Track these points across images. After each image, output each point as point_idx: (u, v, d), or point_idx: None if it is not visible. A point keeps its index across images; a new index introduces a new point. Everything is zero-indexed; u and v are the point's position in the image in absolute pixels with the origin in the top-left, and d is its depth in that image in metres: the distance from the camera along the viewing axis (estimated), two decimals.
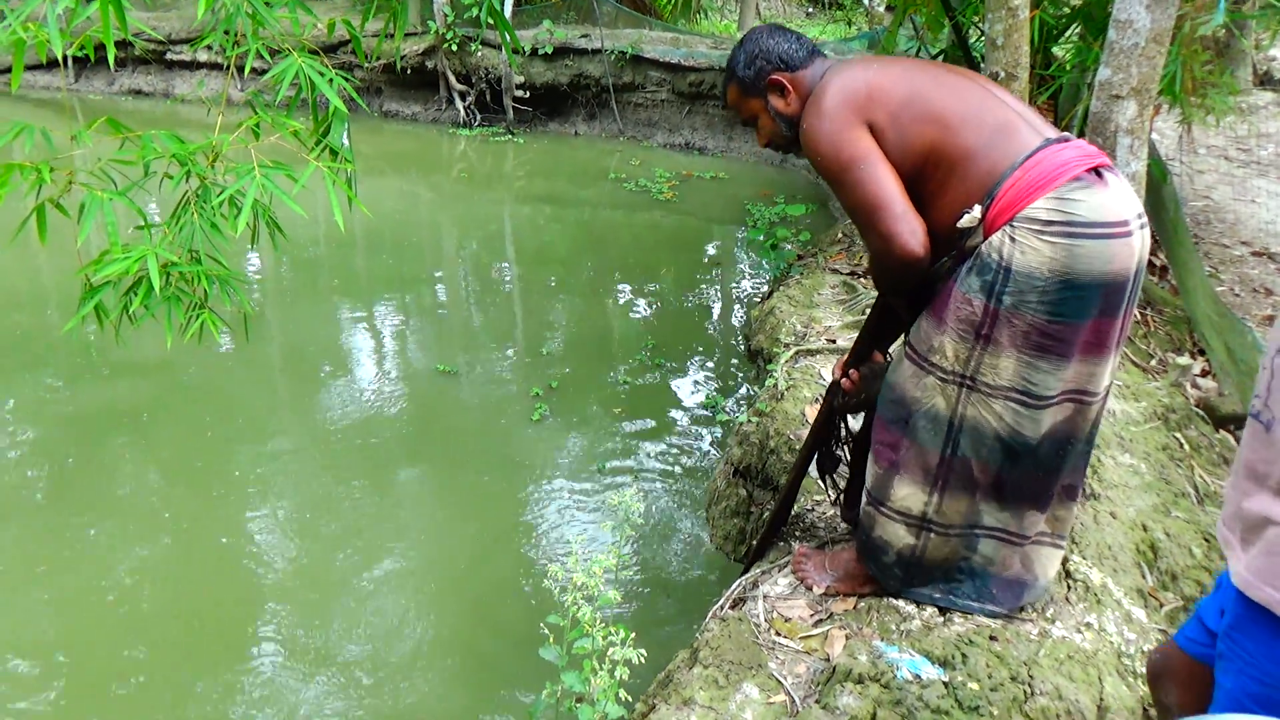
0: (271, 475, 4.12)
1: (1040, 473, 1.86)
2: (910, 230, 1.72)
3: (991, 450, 1.83)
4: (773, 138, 2.01)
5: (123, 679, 2.93)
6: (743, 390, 5.04)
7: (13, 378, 4.99)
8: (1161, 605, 2.11)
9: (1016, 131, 1.73)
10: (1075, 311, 1.69)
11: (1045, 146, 1.71)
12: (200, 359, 4.98)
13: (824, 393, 2.32)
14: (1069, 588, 1.99)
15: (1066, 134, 1.80)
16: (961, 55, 5.30)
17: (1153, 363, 3.44)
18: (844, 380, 2.11)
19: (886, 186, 1.73)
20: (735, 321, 6.22)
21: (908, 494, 1.91)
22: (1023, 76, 3.16)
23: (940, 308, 1.80)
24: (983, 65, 3.38)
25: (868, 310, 2.38)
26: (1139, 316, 3.79)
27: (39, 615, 3.21)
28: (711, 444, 4.41)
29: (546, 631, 1.81)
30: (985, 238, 1.71)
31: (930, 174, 1.76)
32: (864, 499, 2.05)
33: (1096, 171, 1.69)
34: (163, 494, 3.99)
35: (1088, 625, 1.94)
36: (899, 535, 1.96)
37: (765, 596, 2.07)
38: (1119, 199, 1.67)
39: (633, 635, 1.83)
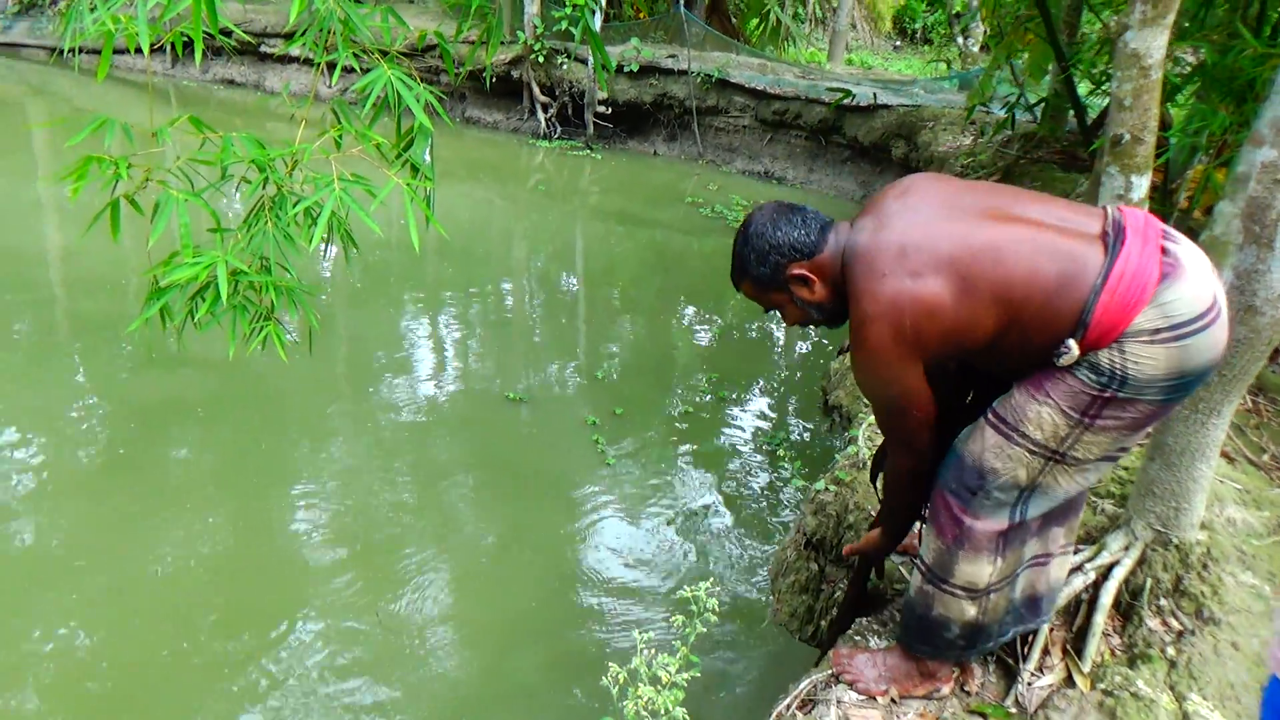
0: (324, 482, 4.05)
1: (1080, 502, 1.91)
2: (931, 453, 1.84)
3: (1052, 504, 1.83)
4: (803, 321, 1.93)
5: (158, 667, 2.93)
6: (807, 436, 4.85)
7: (86, 360, 5.03)
8: None
9: (1077, 254, 1.63)
10: (1185, 395, 1.69)
11: (1115, 255, 1.61)
12: (263, 358, 4.96)
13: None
14: None
15: (1115, 214, 1.68)
16: (1069, 106, 5.05)
17: (1265, 457, 3.17)
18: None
19: (925, 413, 1.77)
20: (802, 360, 6.02)
21: (973, 569, 1.83)
22: (1150, 141, 2.93)
23: (1042, 381, 1.71)
24: (1105, 126, 3.15)
25: None
26: (1250, 405, 3.51)
27: (88, 598, 3.19)
28: (773, 490, 4.23)
29: None
30: (1083, 355, 1.65)
31: (1004, 338, 1.69)
32: (919, 577, 1.92)
33: (1164, 251, 1.63)
34: (214, 490, 3.95)
35: None
36: (962, 610, 1.87)
37: (839, 702, 1.88)
38: (1201, 279, 1.62)
39: None
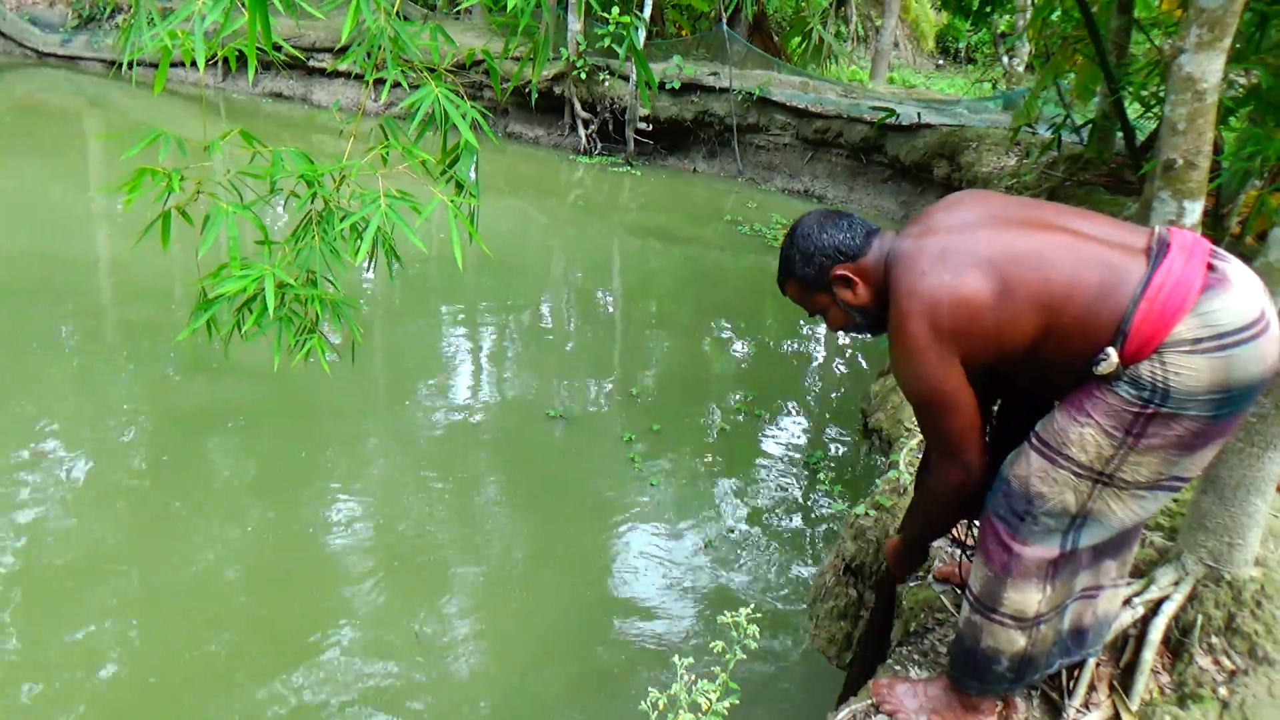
0: (360, 494, 4.08)
1: (1134, 533, 1.85)
2: (979, 468, 1.77)
3: (1107, 534, 1.78)
4: (845, 326, 1.94)
5: (187, 671, 2.97)
6: (845, 457, 4.80)
7: (133, 367, 5.14)
8: None
9: (1120, 265, 1.63)
10: (1233, 412, 1.62)
11: (1157, 266, 1.61)
12: (305, 369, 5.03)
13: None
14: None
15: (1161, 232, 1.67)
16: (1118, 127, 4.97)
17: None
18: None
19: (971, 421, 1.74)
20: (841, 380, 5.97)
21: (1022, 598, 1.79)
22: (1204, 165, 2.87)
23: (1083, 401, 1.68)
24: (1156, 149, 3.10)
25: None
26: None
27: (123, 599, 3.25)
28: (811, 509, 4.18)
29: None
30: (1124, 367, 1.62)
31: (1043, 346, 1.68)
32: (967, 609, 1.88)
33: (1211, 267, 1.61)
34: (253, 498, 4.00)
35: None
36: (1013, 641, 1.83)
37: None
38: (1248, 293, 1.59)
39: None
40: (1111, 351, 1.60)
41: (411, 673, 3.03)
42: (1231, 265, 1.63)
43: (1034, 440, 1.76)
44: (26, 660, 2.93)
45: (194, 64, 2.13)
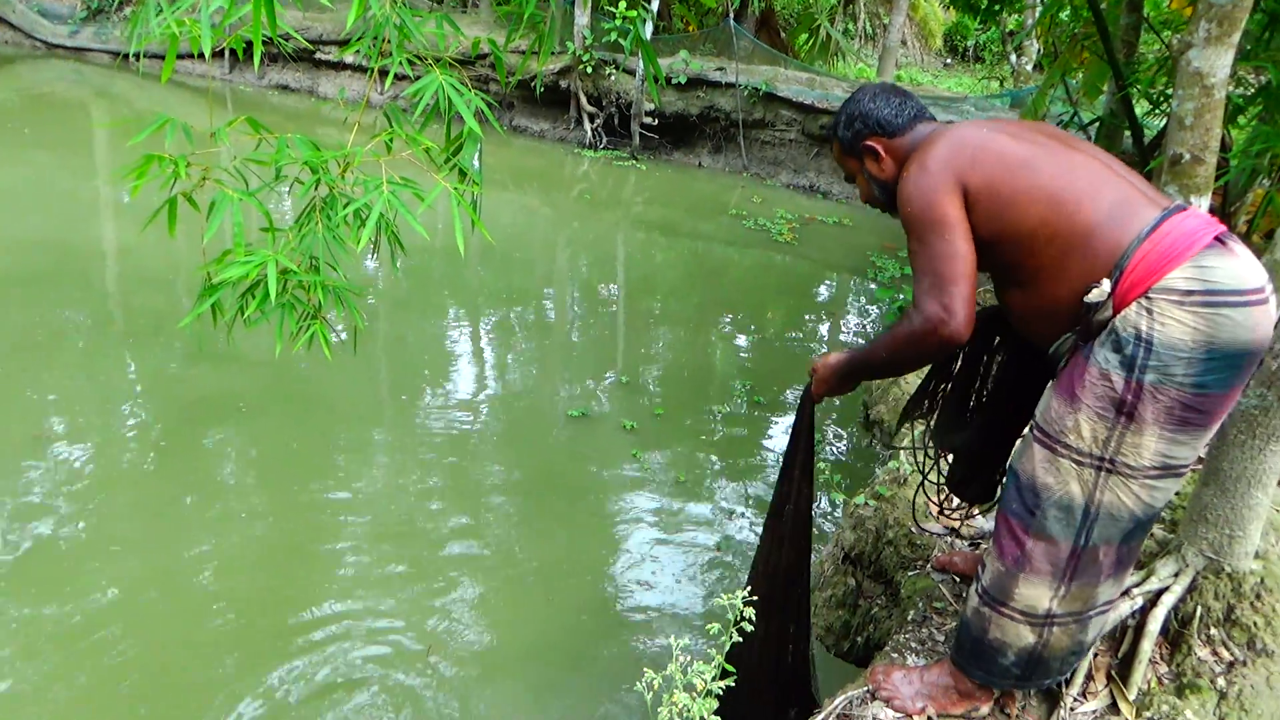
0: (361, 483, 4.09)
1: (1146, 535, 1.84)
2: (968, 316, 1.71)
3: (1122, 530, 1.75)
4: (869, 198, 2.01)
5: (183, 656, 2.98)
6: (846, 449, 4.80)
7: (138, 354, 5.16)
8: None
9: (1136, 204, 1.67)
10: (1221, 383, 1.61)
11: (1169, 216, 1.64)
12: (309, 358, 5.04)
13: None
14: None
15: (1182, 203, 1.71)
16: (1125, 126, 4.96)
17: None
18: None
19: (964, 263, 1.71)
20: None
21: (1033, 593, 1.79)
22: (1210, 161, 2.87)
23: (1073, 384, 1.70)
24: (1163, 145, 3.10)
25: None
26: None
27: (121, 584, 3.25)
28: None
29: None
30: (1115, 312, 1.64)
31: (1043, 249, 1.70)
32: (975, 599, 1.89)
33: (1220, 240, 1.63)
34: (254, 486, 4.01)
35: None
36: (1020, 635, 1.83)
37: (875, 719, 1.85)
38: (1252, 266, 1.62)
39: None
40: (1106, 283, 1.63)
41: (411, 659, 3.04)
42: (1241, 246, 1.65)
43: (1035, 431, 1.78)
44: (27, 640, 2.95)
45: (201, 55, 2.14)
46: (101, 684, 2.84)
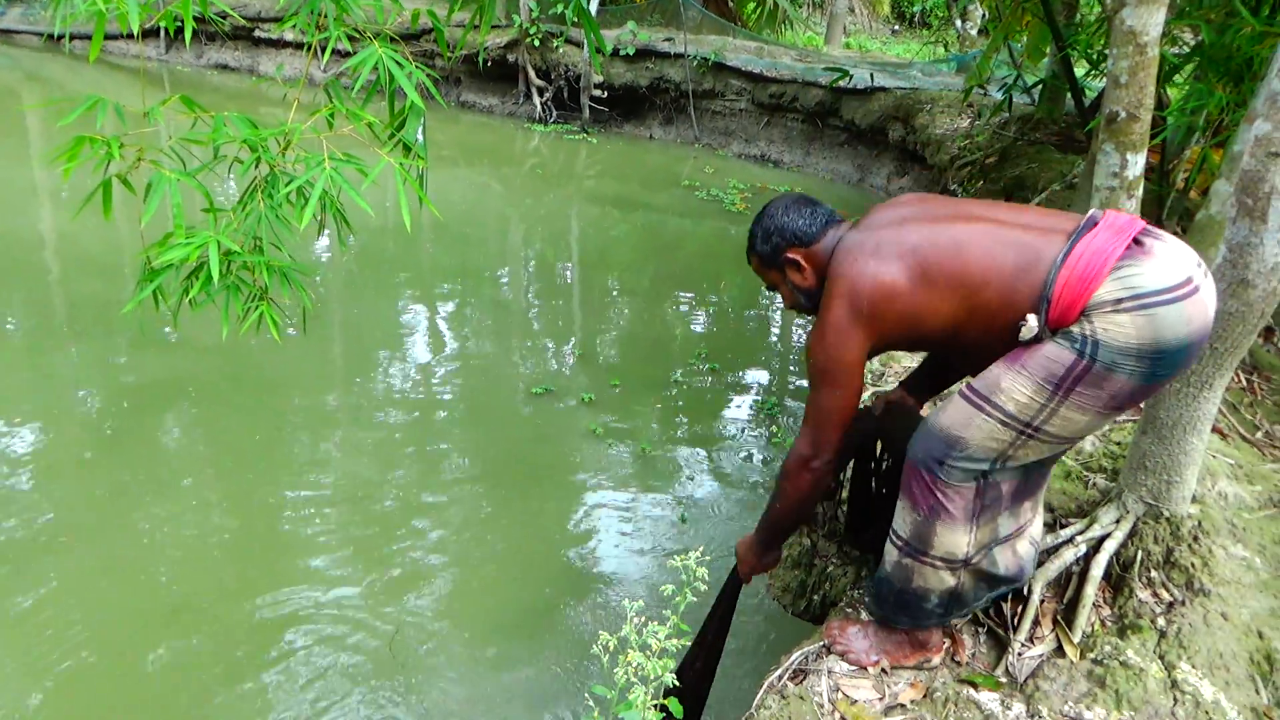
0: (315, 465, 4.06)
1: (1048, 469, 1.95)
2: (828, 452, 1.91)
3: (1024, 471, 1.87)
4: (794, 305, 2.10)
5: (137, 648, 2.93)
6: (800, 404, 4.85)
7: (81, 343, 5.04)
8: None
9: (1037, 244, 1.74)
10: (1166, 373, 1.69)
11: (1079, 239, 1.70)
12: (258, 342, 4.97)
13: None
14: (1176, 700, 1.78)
15: (1093, 215, 1.77)
16: (1067, 87, 5.04)
17: (1259, 435, 3.18)
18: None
19: (843, 415, 1.89)
20: (799, 341, 6.02)
21: (951, 538, 1.87)
22: (1145, 118, 2.93)
23: (1021, 355, 1.74)
24: (1101, 104, 3.15)
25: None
26: (1244, 383, 3.52)
27: (72, 574, 3.20)
28: (768, 462, 4.24)
29: (592, 704, 1.67)
30: (1052, 331, 1.71)
31: (965, 329, 1.80)
32: (895, 553, 1.95)
33: (1136, 241, 1.70)
34: (206, 473, 3.96)
35: None
36: (942, 580, 1.92)
37: (830, 672, 1.90)
38: (1172, 259, 1.67)
39: None
40: (1032, 317, 1.70)
41: (376, 641, 3.03)
42: (1162, 241, 1.70)
43: (964, 389, 1.83)
44: None
45: (132, 35, 2.08)
46: (54, 675, 2.79)
